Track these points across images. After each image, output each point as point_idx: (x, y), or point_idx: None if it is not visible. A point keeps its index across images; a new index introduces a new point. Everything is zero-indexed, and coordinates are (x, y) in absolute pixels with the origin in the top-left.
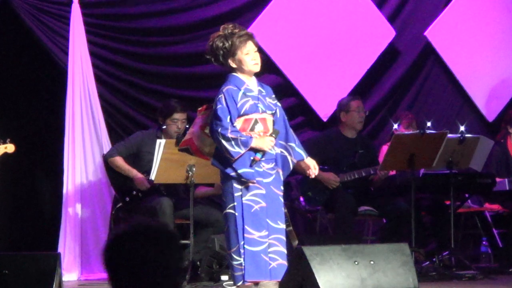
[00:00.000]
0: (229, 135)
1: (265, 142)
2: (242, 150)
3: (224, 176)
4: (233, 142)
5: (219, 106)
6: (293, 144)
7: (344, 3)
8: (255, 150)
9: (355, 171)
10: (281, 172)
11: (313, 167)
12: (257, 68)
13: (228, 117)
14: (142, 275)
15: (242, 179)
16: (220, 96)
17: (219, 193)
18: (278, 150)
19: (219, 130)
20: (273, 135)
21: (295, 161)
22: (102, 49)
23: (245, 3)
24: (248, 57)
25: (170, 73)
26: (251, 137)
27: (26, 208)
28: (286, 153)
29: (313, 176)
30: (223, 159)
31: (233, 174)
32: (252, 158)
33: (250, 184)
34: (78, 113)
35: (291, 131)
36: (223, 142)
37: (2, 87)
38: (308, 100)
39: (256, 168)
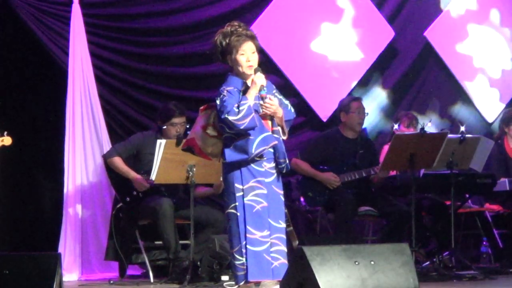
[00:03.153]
0: (234, 109)
1: (255, 83)
2: (249, 101)
3: (226, 176)
4: (238, 108)
5: (224, 98)
6: None
7: (344, 4)
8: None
9: (355, 171)
10: (284, 162)
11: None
12: (249, 71)
13: (236, 105)
14: None
15: (265, 149)
16: (222, 94)
17: (218, 193)
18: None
19: (226, 114)
20: (256, 71)
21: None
22: (102, 49)
23: (245, 3)
24: (243, 57)
25: (171, 73)
26: (244, 96)
27: (26, 209)
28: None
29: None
30: (237, 147)
31: (251, 155)
32: (261, 96)
33: (252, 184)
34: (79, 113)
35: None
36: (234, 117)
37: (2, 87)
38: (308, 101)
39: (258, 168)
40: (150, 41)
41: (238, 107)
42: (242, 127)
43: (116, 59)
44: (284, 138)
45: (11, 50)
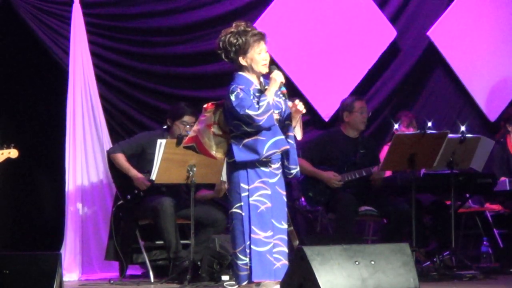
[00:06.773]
0: (254, 104)
1: (275, 80)
2: (268, 98)
3: (231, 175)
4: (258, 104)
5: (240, 95)
6: None
7: (345, 3)
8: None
9: (355, 170)
10: (295, 169)
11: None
12: (265, 70)
13: (256, 100)
14: None
15: (275, 152)
16: (236, 91)
17: (219, 196)
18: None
19: (247, 109)
20: (273, 69)
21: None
22: (103, 49)
23: (247, 3)
24: (260, 56)
25: (171, 73)
26: (263, 94)
27: (27, 208)
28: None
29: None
30: (247, 147)
31: (262, 156)
32: (280, 93)
33: (257, 185)
34: (79, 113)
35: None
36: (255, 112)
37: (3, 87)
38: (310, 100)
39: (264, 169)
40: (151, 41)
41: (258, 103)
42: (261, 123)
43: (117, 58)
44: (299, 138)
45: (11, 49)
